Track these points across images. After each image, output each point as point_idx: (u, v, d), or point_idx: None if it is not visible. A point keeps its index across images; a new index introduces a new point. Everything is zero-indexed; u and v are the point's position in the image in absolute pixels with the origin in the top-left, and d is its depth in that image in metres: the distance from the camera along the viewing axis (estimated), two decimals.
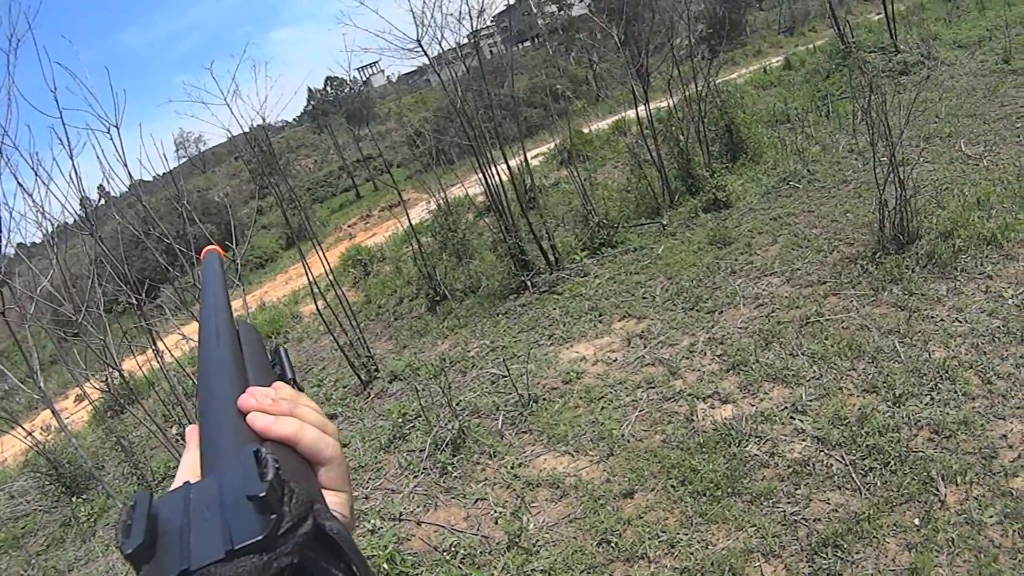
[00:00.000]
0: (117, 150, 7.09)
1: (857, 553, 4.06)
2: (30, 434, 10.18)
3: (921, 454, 4.61)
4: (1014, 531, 3.85)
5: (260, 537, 0.48)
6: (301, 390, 0.74)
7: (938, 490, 4.28)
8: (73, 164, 7.11)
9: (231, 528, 0.48)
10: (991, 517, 3.99)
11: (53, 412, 7.11)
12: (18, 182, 7.06)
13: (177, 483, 0.60)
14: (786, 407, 5.60)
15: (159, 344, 7.80)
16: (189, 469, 0.65)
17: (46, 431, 12.63)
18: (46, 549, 9.20)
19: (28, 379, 6.85)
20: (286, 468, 0.53)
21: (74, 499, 9.83)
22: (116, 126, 6.99)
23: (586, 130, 20.29)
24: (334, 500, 0.64)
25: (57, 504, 10.41)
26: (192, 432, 0.68)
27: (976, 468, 4.36)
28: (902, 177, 7.17)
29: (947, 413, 4.90)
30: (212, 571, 0.47)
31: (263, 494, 0.49)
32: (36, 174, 6.98)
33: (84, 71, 9.80)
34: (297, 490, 0.52)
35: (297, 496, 0.52)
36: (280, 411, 0.63)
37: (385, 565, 5.09)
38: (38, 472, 10.97)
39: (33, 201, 7.12)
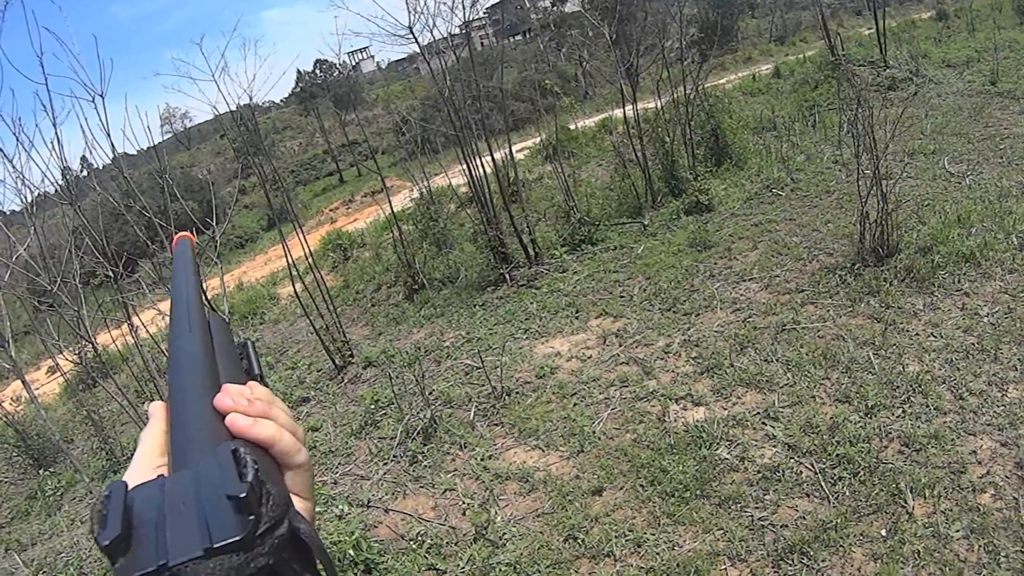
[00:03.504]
0: (101, 120, 6.98)
1: (823, 561, 4.07)
2: None
3: (891, 466, 4.64)
4: (980, 546, 3.88)
5: (239, 537, 0.48)
6: (266, 385, 0.74)
7: (906, 502, 4.30)
8: (56, 132, 7.01)
9: (209, 526, 0.49)
10: (958, 531, 4.02)
11: (23, 383, 7.00)
12: None
13: (137, 459, 0.64)
14: (758, 412, 5.62)
15: (135, 319, 7.72)
16: (151, 447, 0.65)
17: (16, 402, 12.50)
18: (10, 521, 9.10)
19: (0, 348, 6.74)
20: (262, 470, 0.53)
21: (41, 472, 9.72)
22: (101, 95, 6.88)
23: (572, 127, 20.26)
24: (299, 506, 0.63)
25: (24, 476, 10.29)
26: (156, 408, 0.68)
27: (945, 482, 4.39)
28: (885, 191, 7.20)
29: (918, 426, 4.93)
30: (190, 567, 0.47)
31: (243, 495, 0.49)
32: (18, 140, 6.86)
33: (72, 38, 9.65)
34: (274, 492, 0.53)
35: (274, 498, 0.53)
36: (257, 412, 0.63)
37: (351, 551, 5.05)
38: (6, 443, 10.83)
39: (13, 167, 7.01)
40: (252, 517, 0.49)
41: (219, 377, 0.67)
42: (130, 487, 0.53)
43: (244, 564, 0.48)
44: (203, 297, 0.75)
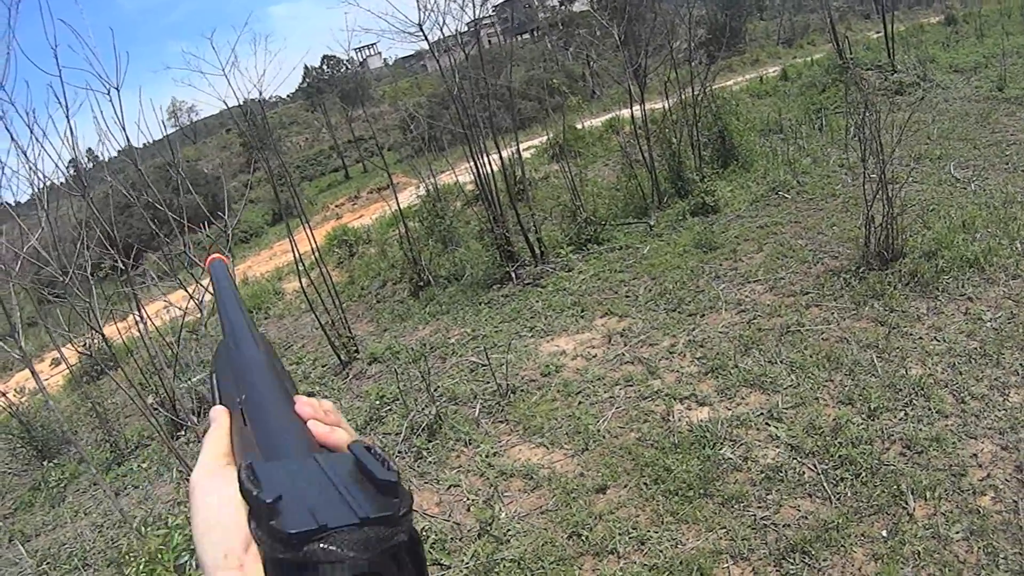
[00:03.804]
0: (116, 112, 7.01)
1: (824, 560, 4.11)
2: (3, 395, 10.11)
3: (892, 467, 4.67)
4: (979, 548, 3.91)
5: (390, 513, 0.56)
6: None
7: (907, 504, 4.33)
8: (69, 123, 7.03)
9: (364, 502, 0.56)
10: (957, 533, 4.05)
11: (32, 373, 7.02)
12: (12, 138, 6.97)
13: (205, 460, 0.68)
14: (762, 413, 5.65)
15: (142, 311, 7.76)
16: (215, 449, 0.69)
17: (20, 393, 12.53)
18: (14, 512, 9.16)
19: (9, 338, 6.78)
20: None
21: (45, 463, 9.78)
22: (117, 88, 6.90)
23: (580, 126, 20.24)
24: None
25: (28, 468, 10.36)
26: (219, 413, 0.73)
27: (945, 484, 4.42)
28: (890, 195, 7.22)
29: (920, 429, 4.96)
30: (345, 532, 0.54)
31: (395, 480, 0.57)
32: (31, 131, 6.88)
33: (88, 31, 9.65)
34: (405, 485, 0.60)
35: (406, 491, 0.59)
36: (331, 422, 0.70)
37: None
38: (10, 434, 10.90)
39: (27, 158, 7.03)
40: (396, 499, 0.57)
41: (292, 389, 0.76)
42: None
43: (391, 535, 0.55)
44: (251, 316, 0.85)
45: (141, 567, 5.01)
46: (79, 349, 10.36)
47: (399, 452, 6.71)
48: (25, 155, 6.94)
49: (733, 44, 35.74)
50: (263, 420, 0.69)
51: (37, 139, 6.91)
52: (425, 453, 6.55)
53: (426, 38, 10.33)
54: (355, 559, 0.54)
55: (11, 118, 6.77)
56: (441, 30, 10.56)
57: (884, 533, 4.19)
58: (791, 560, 4.17)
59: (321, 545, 0.53)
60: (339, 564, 0.54)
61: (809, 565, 4.10)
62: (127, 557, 5.41)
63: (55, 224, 7.56)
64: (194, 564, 4.92)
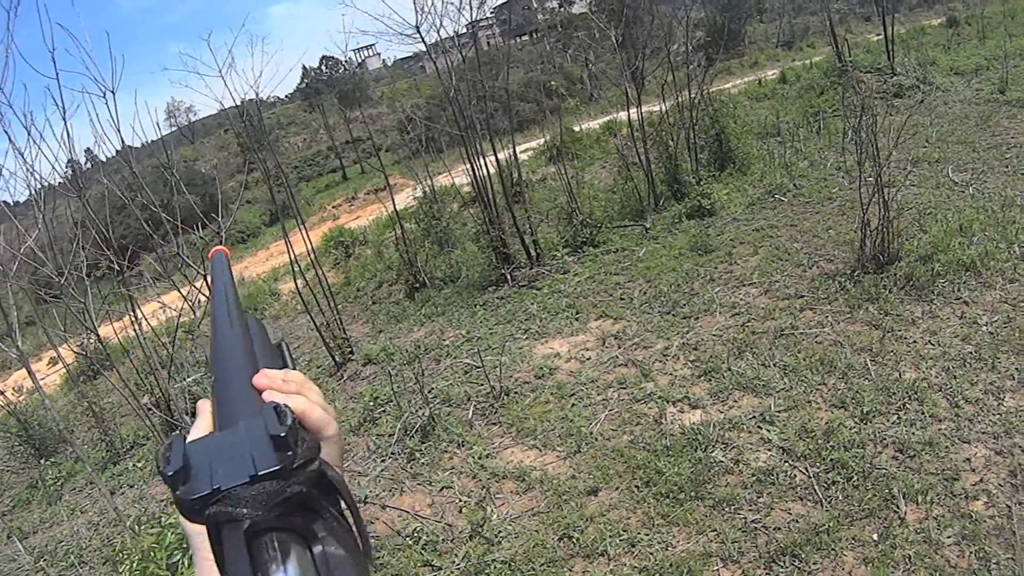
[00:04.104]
0: (111, 115, 7.04)
1: (815, 564, 4.08)
2: (2, 394, 10.11)
3: (884, 471, 4.65)
4: (971, 552, 3.89)
5: (278, 467, 0.59)
6: None
7: (899, 507, 4.31)
8: (66, 125, 7.05)
9: (255, 459, 0.59)
10: (949, 537, 4.03)
11: (29, 372, 7.01)
12: (10, 140, 7.00)
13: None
14: (754, 416, 5.63)
15: (137, 311, 7.75)
16: (203, 433, 0.71)
17: (18, 392, 12.55)
18: (12, 509, 9.20)
19: (7, 337, 6.79)
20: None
21: (42, 461, 9.83)
22: (113, 91, 6.94)
23: (577, 128, 20.25)
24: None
25: (25, 466, 10.39)
26: (204, 404, 0.78)
27: (938, 488, 4.40)
28: (887, 198, 7.21)
29: (913, 433, 4.94)
30: (237, 491, 0.58)
31: (283, 433, 0.61)
32: (29, 133, 6.90)
33: (85, 35, 9.70)
34: (307, 437, 0.65)
35: (307, 441, 0.64)
36: (290, 390, 0.74)
37: None
38: (8, 433, 10.94)
39: (24, 160, 7.05)
40: (289, 453, 0.60)
41: (258, 364, 0.78)
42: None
43: (281, 489, 0.59)
44: (238, 300, 0.89)
45: (135, 565, 5.09)
46: (74, 349, 10.37)
47: (392, 454, 6.69)
48: (22, 156, 6.95)
49: (732, 46, 35.79)
50: (222, 396, 0.72)
51: (34, 141, 6.93)
52: (418, 455, 6.52)
53: (423, 40, 10.32)
54: (248, 514, 0.57)
55: (9, 120, 6.79)
56: (438, 32, 10.55)
57: (875, 537, 4.16)
58: (781, 563, 4.14)
59: (219, 507, 0.58)
60: (235, 522, 0.58)
61: (799, 568, 4.08)
62: (121, 555, 5.43)
63: (51, 225, 7.57)
64: (186, 563, 4.95)
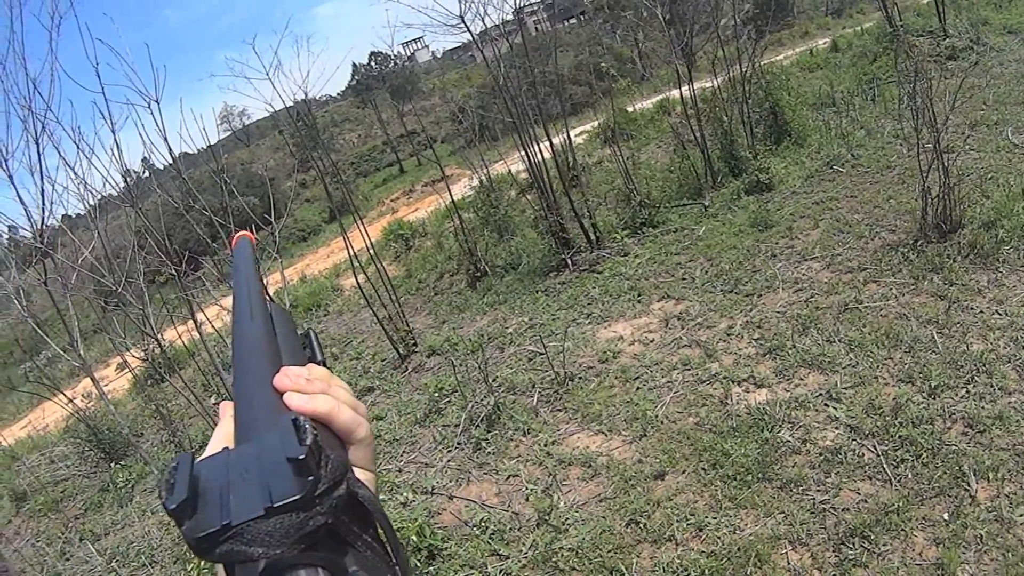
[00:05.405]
0: (157, 124, 7.23)
1: (884, 545, 4.07)
2: (71, 401, 10.41)
3: (954, 448, 4.60)
4: None
5: (298, 496, 0.52)
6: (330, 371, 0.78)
7: (969, 485, 4.26)
8: (115, 138, 7.25)
9: (271, 487, 0.52)
10: (1022, 516, 3.97)
11: (93, 380, 7.28)
12: (60, 155, 7.22)
13: (207, 454, 0.64)
14: (820, 394, 5.61)
15: (199, 315, 7.95)
16: (222, 440, 0.67)
17: (87, 398, 12.90)
18: (84, 513, 9.49)
19: (70, 348, 7.02)
20: (322, 439, 0.57)
21: (112, 465, 10.16)
22: (156, 101, 7.13)
23: (630, 109, 20.18)
24: (362, 477, 0.66)
25: (96, 469, 10.70)
26: (225, 407, 0.71)
27: (1009, 464, 4.33)
28: (946, 164, 7.10)
29: (983, 407, 4.86)
30: (252, 526, 0.51)
31: (302, 456, 0.53)
32: (78, 147, 7.12)
33: (125, 48, 9.94)
34: (332, 457, 0.56)
35: (332, 462, 0.56)
36: (315, 390, 0.67)
37: (415, 538, 5.19)
38: (78, 438, 11.33)
39: (75, 174, 7.26)
40: (311, 478, 0.53)
41: (281, 361, 0.71)
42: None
43: (303, 522, 0.52)
44: (263, 289, 0.80)
45: (202, 563, 5.19)
46: (137, 356, 10.63)
47: (458, 444, 6.82)
48: (73, 171, 7.18)
49: (781, 17, 35.14)
50: (242, 400, 0.66)
51: (84, 155, 7.16)
52: (484, 444, 6.64)
53: (468, 30, 10.36)
54: (264, 554, 0.51)
55: (60, 137, 7.01)
56: (483, 20, 10.59)
57: (945, 516, 4.13)
58: (850, 545, 4.14)
59: (230, 545, 0.51)
60: (249, 563, 0.52)
61: (869, 550, 4.07)
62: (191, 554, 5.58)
63: (109, 236, 7.79)
64: None
